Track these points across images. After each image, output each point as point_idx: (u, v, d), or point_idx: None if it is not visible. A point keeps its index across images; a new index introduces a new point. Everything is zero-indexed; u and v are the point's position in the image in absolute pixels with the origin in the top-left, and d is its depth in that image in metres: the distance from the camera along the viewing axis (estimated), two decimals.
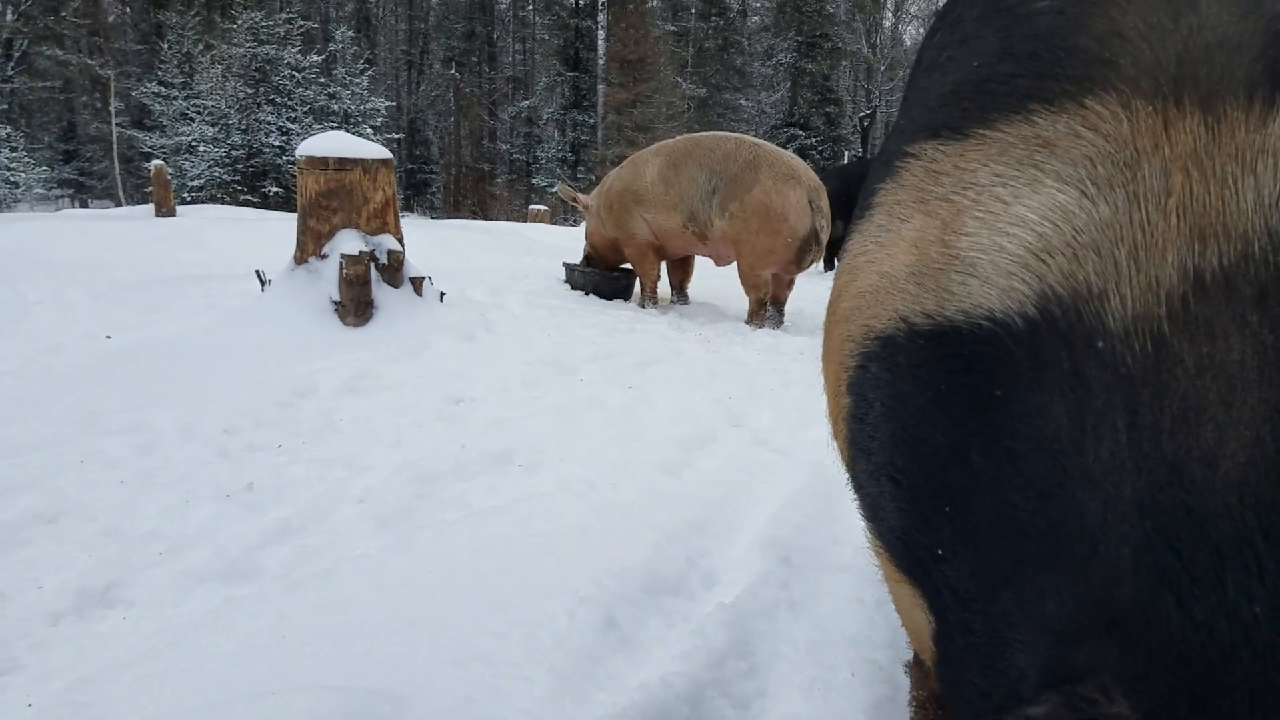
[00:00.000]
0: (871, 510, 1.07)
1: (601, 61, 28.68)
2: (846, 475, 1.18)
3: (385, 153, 4.95)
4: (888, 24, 38.57)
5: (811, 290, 7.49)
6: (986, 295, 0.88)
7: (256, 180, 23.52)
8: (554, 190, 28.31)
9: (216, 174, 23.00)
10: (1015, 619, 0.80)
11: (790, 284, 6.07)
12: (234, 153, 23.35)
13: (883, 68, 36.21)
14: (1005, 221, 0.90)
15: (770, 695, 1.80)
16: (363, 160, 4.79)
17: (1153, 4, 0.92)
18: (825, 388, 1.23)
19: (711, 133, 6.32)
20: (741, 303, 6.30)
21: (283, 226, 8.67)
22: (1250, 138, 0.81)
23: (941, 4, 1.45)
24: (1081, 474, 0.77)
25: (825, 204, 5.76)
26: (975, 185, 0.95)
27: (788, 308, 6.25)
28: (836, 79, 34.22)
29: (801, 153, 28.30)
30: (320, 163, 4.72)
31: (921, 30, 42.72)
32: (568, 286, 6.62)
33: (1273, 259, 0.76)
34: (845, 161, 20.38)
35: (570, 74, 30.76)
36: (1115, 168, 0.85)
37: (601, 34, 28.72)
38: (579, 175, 29.37)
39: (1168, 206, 0.81)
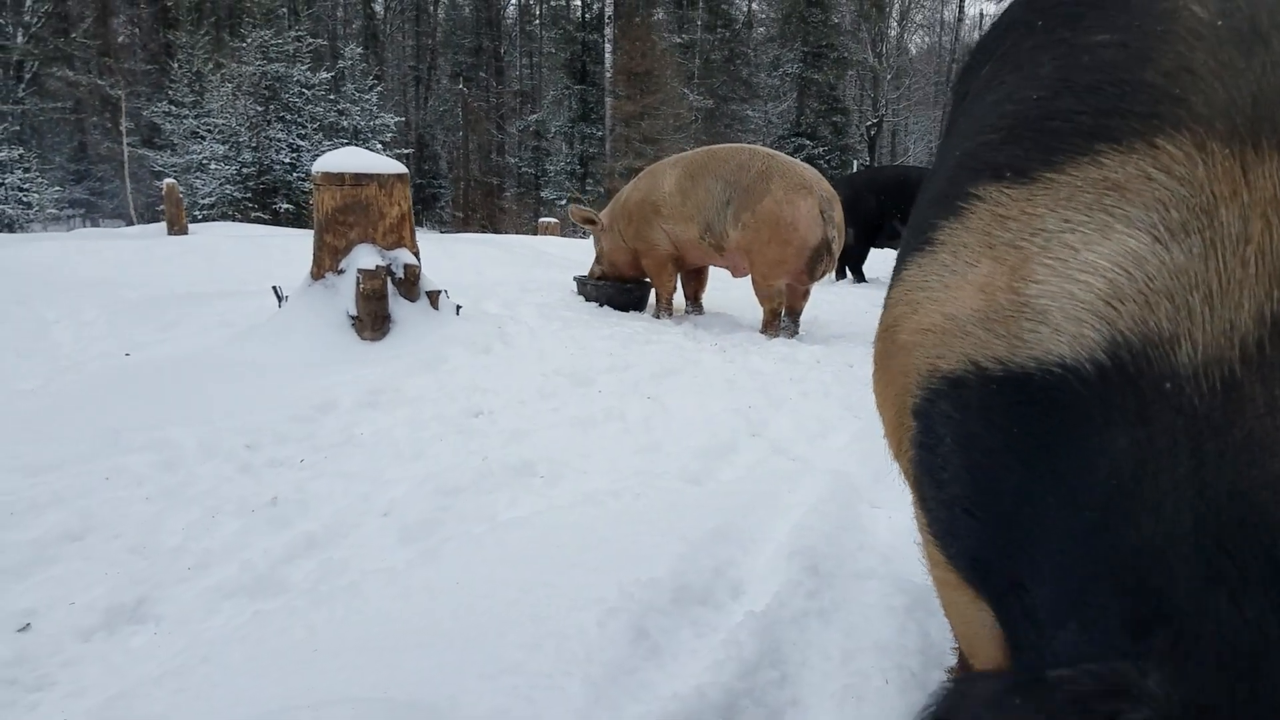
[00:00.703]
0: (940, 530, 1.07)
1: (608, 74, 28.77)
2: (910, 489, 1.18)
3: (400, 167, 4.98)
4: (893, 33, 38.65)
5: (824, 299, 7.48)
6: (1057, 343, 0.88)
7: (267, 197, 23.64)
8: (563, 204, 28.39)
9: (227, 191, 23.14)
10: (1079, 632, 0.80)
11: (805, 294, 6.07)
12: (245, 170, 23.49)
13: (889, 76, 36.26)
14: (1075, 268, 0.89)
15: (803, 704, 1.80)
16: (379, 175, 4.81)
17: (1221, 39, 0.91)
18: (882, 406, 1.25)
19: (728, 144, 6.33)
20: (756, 312, 6.30)
21: (295, 243, 8.71)
22: None
23: (981, 35, 1.44)
24: (1143, 503, 0.78)
25: (838, 214, 5.74)
26: (1043, 231, 0.94)
27: (803, 317, 6.24)
28: (843, 88, 34.27)
29: (809, 162, 28.32)
30: (336, 178, 4.75)
31: (926, 38, 42.79)
32: (581, 299, 6.63)
33: None
34: (854, 170, 20.39)
35: (577, 87, 30.90)
36: (1190, 213, 0.84)
37: (608, 47, 28.81)
38: (587, 188, 29.45)
39: (1246, 254, 0.80)
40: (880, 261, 10.96)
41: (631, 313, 6.45)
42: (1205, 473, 0.76)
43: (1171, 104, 0.89)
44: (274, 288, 5.17)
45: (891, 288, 1.22)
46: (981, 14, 40.94)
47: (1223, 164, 0.84)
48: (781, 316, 5.93)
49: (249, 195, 23.41)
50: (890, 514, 2.70)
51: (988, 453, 0.95)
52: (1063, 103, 0.99)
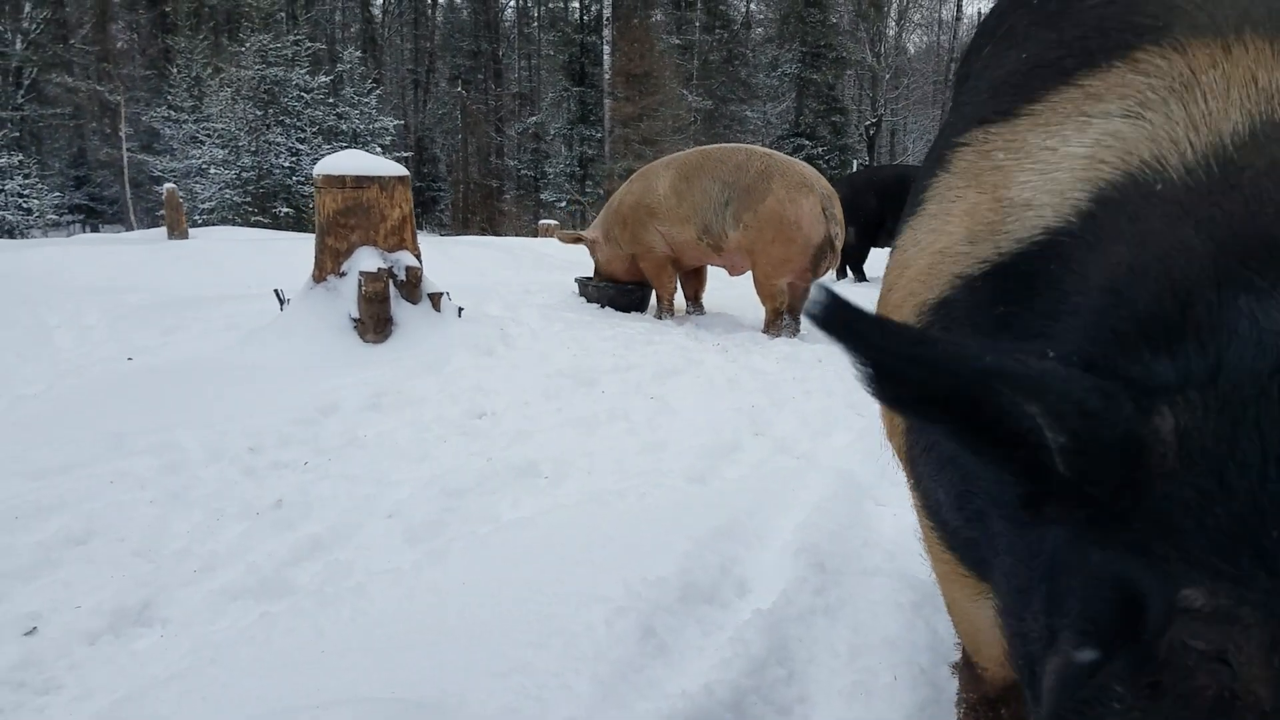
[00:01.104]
0: (934, 508, 1.07)
1: (607, 76, 28.76)
2: (906, 473, 1.18)
3: (402, 170, 4.98)
4: (891, 32, 38.65)
5: None
6: (1042, 216, 0.92)
7: (267, 201, 23.63)
8: (564, 205, 28.39)
9: (227, 196, 23.13)
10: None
11: (807, 293, 6.05)
12: (244, 174, 23.48)
13: (887, 76, 36.25)
14: (1056, 162, 0.94)
15: (811, 701, 1.80)
16: (380, 178, 4.81)
17: None
18: None
19: (721, 145, 6.34)
20: (758, 312, 6.30)
21: (296, 246, 8.71)
22: None
23: (982, 19, 1.48)
24: (1152, 248, 0.80)
25: (839, 211, 5.76)
26: (1025, 148, 0.99)
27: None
28: (841, 88, 34.26)
29: (808, 162, 28.31)
30: (338, 181, 4.75)
31: (925, 38, 42.78)
32: (583, 300, 6.63)
33: None
34: (854, 170, 20.39)
35: (576, 89, 30.88)
36: (1168, 89, 0.90)
37: (607, 49, 28.80)
38: (587, 190, 29.45)
39: (1229, 93, 0.86)
40: (881, 261, 10.97)
41: (633, 314, 6.45)
42: (1204, 232, 0.78)
43: (1154, 31, 0.95)
44: (276, 291, 5.17)
45: (888, 268, 1.23)
46: (979, 13, 40.94)
47: (1202, 51, 0.91)
48: (783, 315, 5.93)
49: (249, 199, 23.40)
50: (895, 511, 2.70)
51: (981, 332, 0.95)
52: (1050, 54, 1.05)
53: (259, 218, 22.74)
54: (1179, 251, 0.78)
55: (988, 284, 0.95)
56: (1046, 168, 0.94)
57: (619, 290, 6.59)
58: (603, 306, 6.49)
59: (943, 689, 1.78)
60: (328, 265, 4.83)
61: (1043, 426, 0.66)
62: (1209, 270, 0.75)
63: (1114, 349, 0.77)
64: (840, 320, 0.68)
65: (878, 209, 9.69)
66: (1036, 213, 0.92)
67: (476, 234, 25.25)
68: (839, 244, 5.79)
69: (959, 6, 39.60)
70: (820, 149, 30.39)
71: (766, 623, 1.98)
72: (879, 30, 36.32)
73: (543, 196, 31.56)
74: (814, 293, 0.71)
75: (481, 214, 33.21)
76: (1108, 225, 0.86)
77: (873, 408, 3.91)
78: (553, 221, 16.24)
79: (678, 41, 32.82)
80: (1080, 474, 0.67)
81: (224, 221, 22.01)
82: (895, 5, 38.13)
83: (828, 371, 4.66)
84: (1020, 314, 0.90)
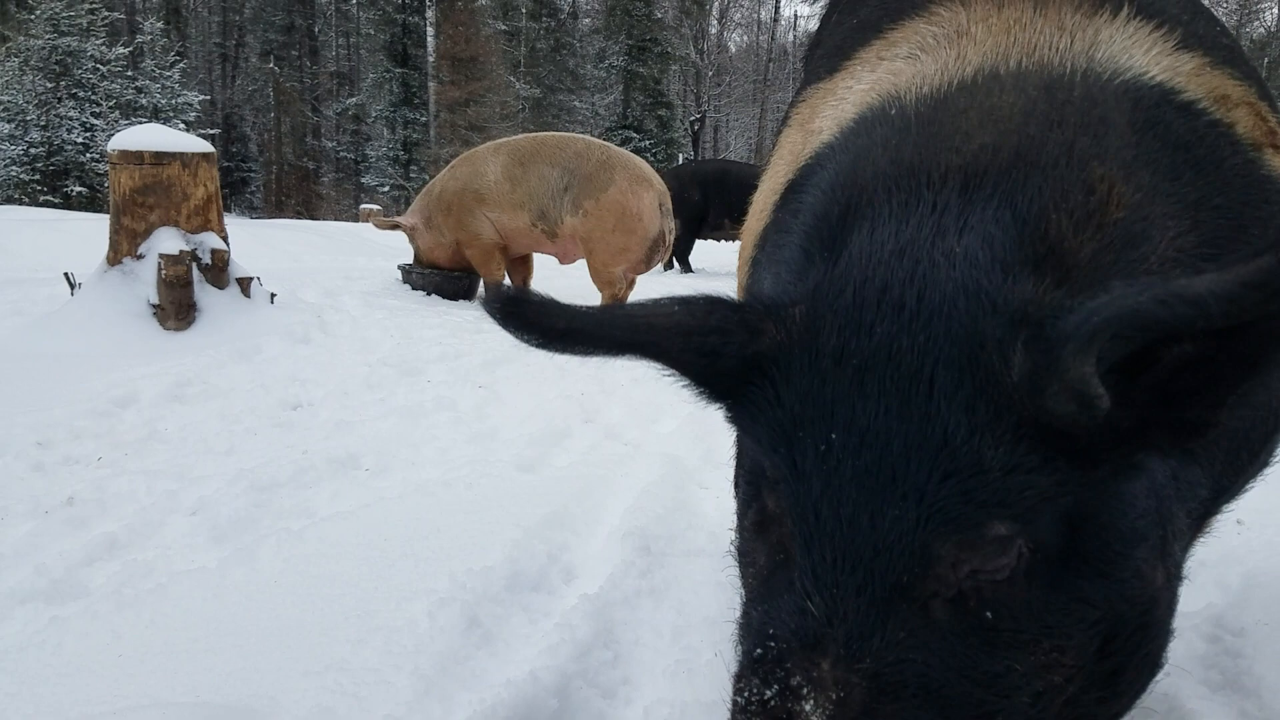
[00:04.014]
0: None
1: (431, 59, 28.09)
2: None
3: (206, 146, 4.68)
4: (713, 30, 39.66)
5: (653, 289, 7.59)
6: (823, 138, 1.09)
7: (58, 180, 21.70)
8: (386, 190, 27.52)
9: (14, 174, 21.06)
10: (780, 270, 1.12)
11: (631, 284, 6.15)
12: (33, 150, 21.47)
13: (710, 73, 37.19)
14: (846, 97, 1.12)
15: (635, 682, 1.82)
16: (182, 154, 4.50)
17: None
18: None
19: (555, 133, 6.33)
20: (588, 300, 6.32)
21: (90, 227, 8.04)
22: (1076, 22, 1.02)
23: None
24: (861, 160, 0.98)
25: (670, 206, 5.94)
26: (832, 93, 1.16)
27: None
28: (667, 83, 34.85)
29: (636, 154, 28.66)
30: (135, 157, 4.40)
31: (745, 37, 44.14)
32: (407, 287, 6.45)
33: (1067, 75, 0.96)
34: (679, 163, 20.80)
35: (399, 70, 29.91)
36: (945, 37, 1.07)
37: (430, 30, 28.11)
38: (412, 175, 28.63)
39: (983, 43, 1.02)
40: (704, 253, 11.25)
41: (460, 301, 6.33)
42: (913, 133, 0.94)
43: None
44: (66, 274, 4.75)
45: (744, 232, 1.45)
46: (796, 14, 42.65)
47: (980, 8, 1.07)
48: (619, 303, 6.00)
49: (37, 177, 21.42)
50: (718, 494, 2.77)
51: (768, 231, 1.14)
52: (873, 15, 1.21)
53: (49, 197, 20.86)
54: (865, 169, 0.94)
55: (783, 197, 1.12)
56: (840, 101, 1.11)
57: (446, 277, 6.44)
58: (429, 294, 6.34)
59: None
60: (123, 247, 4.47)
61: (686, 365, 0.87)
62: (868, 189, 0.92)
63: (804, 251, 0.98)
64: (515, 313, 0.83)
65: (701, 202, 9.93)
66: (820, 137, 1.08)
67: (292, 217, 24.08)
68: (670, 239, 5.95)
69: (777, 8, 41.11)
70: (647, 142, 30.81)
71: (593, 607, 1.99)
72: (702, 28, 37.19)
73: (364, 180, 30.49)
74: (489, 292, 0.86)
75: (297, 197, 31.72)
76: (850, 142, 1.02)
77: None
78: (375, 206, 15.73)
79: (504, 27, 32.45)
80: (722, 389, 0.88)
81: (9, 201, 20.00)
82: (717, 4, 39.13)
83: None
84: (786, 217, 1.07)
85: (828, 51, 1.30)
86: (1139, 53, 0.99)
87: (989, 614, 0.78)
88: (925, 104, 0.97)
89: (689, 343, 0.85)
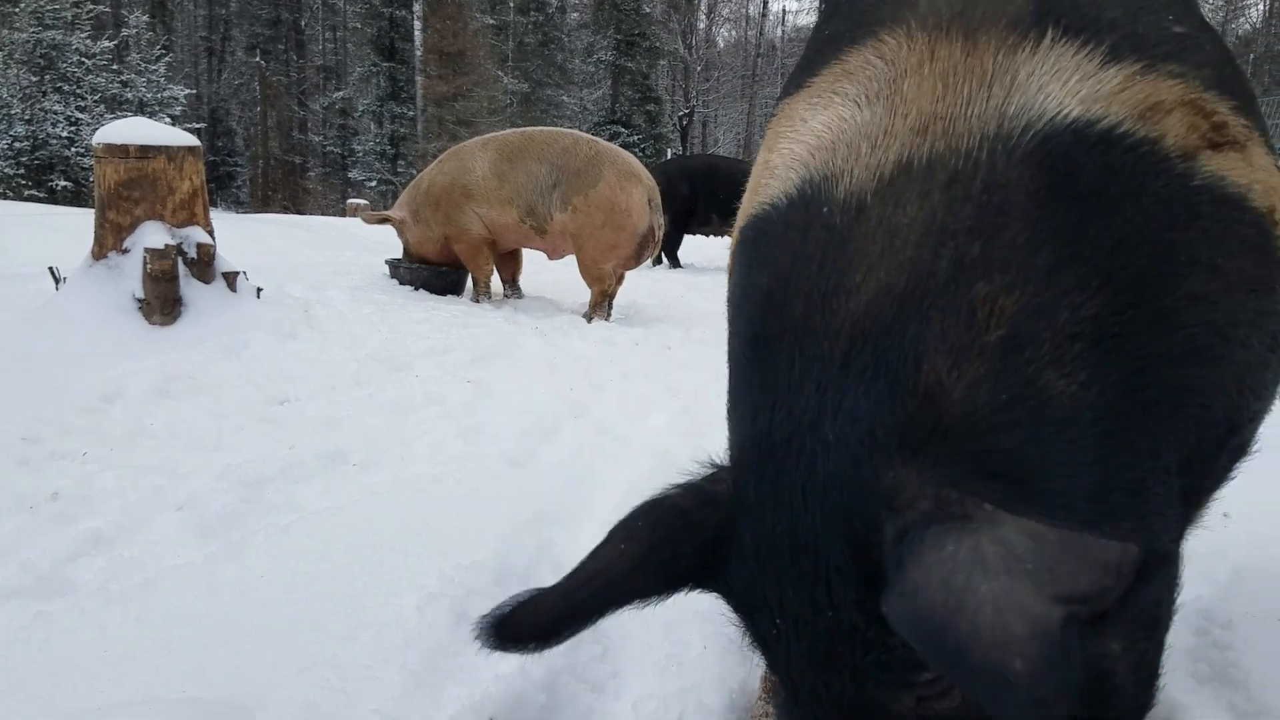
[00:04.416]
0: None
1: (419, 53, 27.97)
2: None
3: (192, 139, 4.64)
4: (702, 25, 39.62)
5: (642, 284, 7.59)
6: (773, 189, 1.08)
7: (43, 174, 21.52)
8: (373, 185, 27.40)
9: None
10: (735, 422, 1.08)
11: (620, 279, 6.14)
12: (17, 145, 21.28)
13: (699, 68, 37.17)
14: (802, 134, 1.10)
15: (623, 676, 1.82)
16: (167, 148, 4.46)
17: None
18: None
19: (543, 128, 6.30)
20: (577, 296, 6.32)
21: (75, 221, 7.96)
22: (997, 61, 0.97)
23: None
24: (778, 302, 0.97)
25: (659, 202, 5.91)
26: (795, 117, 1.14)
27: (621, 301, 6.31)
28: (656, 78, 34.78)
29: (625, 150, 28.60)
30: (120, 150, 4.37)
31: (733, 32, 44.13)
32: (395, 282, 6.42)
33: (974, 154, 0.92)
34: (667, 158, 20.78)
35: (386, 64, 29.76)
36: (885, 84, 1.03)
37: (418, 24, 27.99)
38: (399, 170, 28.51)
39: (908, 112, 0.99)
40: (693, 248, 11.24)
41: (449, 296, 6.31)
42: (820, 276, 0.94)
43: (905, 8, 1.08)
44: (50, 269, 4.71)
45: None
46: (784, 10, 42.64)
47: (920, 46, 1.03)
48: (609, 298, 6.00)
49: (21, 172, 21.23)
50: None
51: (731, 291, 1.15)
52: (842, 28, 1.19)
53: (33, 191, 20.68)
54: (785, 304, 0.95)
55: (743, 235, 1.14)
56: (796, 138, 1.10)
57: (433, 272, 6.41)
58: (416, 289, 6.31)
59: (750, 655, 1.85)
60: (109, 241, 4.44)
61: None
62: (781, 342, 0.93)
63: (738, 390, 1.03)
64: (507, 633, 0.97)
65: (689, 197, 9.92)
66: (778, 182, 1.08)
67: (278, 212, 23.96)
68: (660, 234, 5.93)
69: (765, 3, 41.10)
70: (636, 137, 30.77)
71: None
72: (690, 22, 37.16)
73: (351, 175, 30.35)
74: (479, 623, 0.95)
75: (284, 191, 31.56)
76: (783, 238, 1.02)
77: (689, 390, 4.01)
78: (362, 201, 15.65)
79: (492, 21, 32.33)
80: (703, 580, 1.00)
81: None
82: None
83: (645, 355, 4.73)
84: (744, 273, 1.09)
85: (804, 60, 1.28)
86: (1056, 87, 0.94)
87: None
88: (849, 211, 0.95)
89: (650, 571, 0.95)
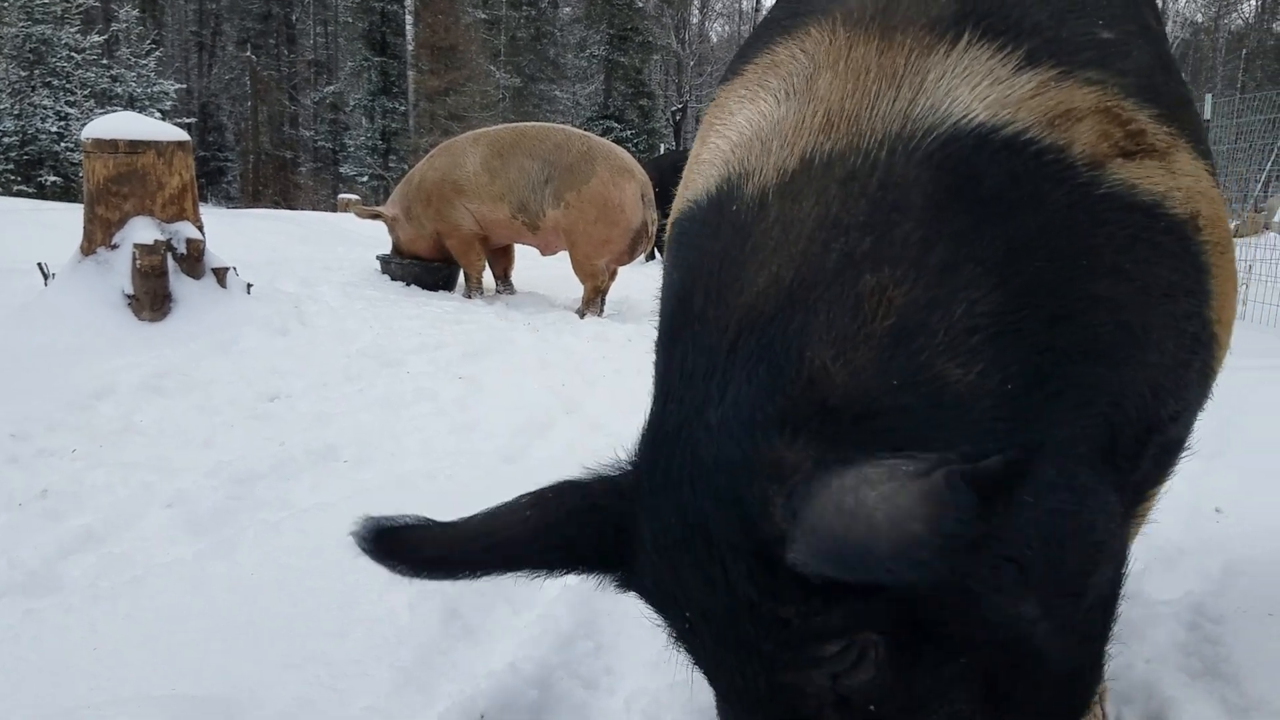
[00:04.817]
0: None
1: (411, 47, 27.84)
2: None
3: (181, 134, 4.62)
4: (695, 20, 39.58)
5: (635, 280, 7.57)
6: (699, 186, 1.08)
7: (32, 169, 21.38)
8: (365, 180, 27.31)
9: None
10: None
11: (614, 275, 6.14)
12: (6, 140, 21.14)
13: (692, 63, 37.12)
14: (729, 128, 1.09)
15: (617, 672, 1.82)
16: (156, 143, 4.44)
17: None
18: None
19: (534, 123, 6.29)
20: (569, 292, 6.30)
21: (64, 217, 7.91)
22: (910, 61, 0.97)
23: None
24: (685, 298, 0.98)
25: (653, 197, 5.90)
26: (726, 107, 1.14)
27: (613, 297, 6.31)
28: (649, 73, 34.74)
29: (618, 145, 28.55)
30: (109, 145, 4.34)
31: (726, 27, 44.09)
32: (386, 278, 6.40)
33: (874, 153, 0.92)
34: (660, 153, 20.77)
35: (377, 59, 29.60)
36: (803, 80, 1.02)
37: (409, 19, 27.87)
38: (390, 165, 28.40)
39: (817, 110, 0.98)
40: None
41: (440, 292, 6.30)
42: (720, 271, 0.94)
43: (834, 1, 1.08)
44: (40, 265, 4.68)
45: None
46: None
47: (840, 42, 1.02)
48: (602, 294, 5.99)
49: (11, 167, 21.10)
50: None
51: (669, 286, 1.13)
52: (773, 14, 1.20)
53: (23, 187, 20.55)
54: (689, 298, 0.96)
55: (673, 229, 1.14)
56: (723, 131, 1.09)
57: (425, 268, 6.40)
58: (408, 284, 6.29)
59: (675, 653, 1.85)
60: (98, 237, 4.41)
61: None
62: (679, 334, 0.95)
63: (655, 381, 1.04)
64: (383, 547, 0.94)
65: None
66: (701, 178, 1.08)
67: (269, 207, 23.87)
68: (653, 230, 5.92)
69: None
70: (629, 132, 30.71)
71: (576, 598, 1.98)
72: (683, 17, 37.10)
73: (342, 170, 30.22)
74: (358, 526, 0.95)
75: (274, 187, 31.43)
76: (698, 235, 1.03)
77: None
78: (353, 196, 15.60)
79: (484, 16, 32.23)
80: (600, 568, 1.01)
81: None
82: None
83: (638, 350, 4.72)
84: (666, 274, 1.10)
85: (744, 45, 1.28)
86: (964, 91, 0.94)
87: (873, 706, 0.85)
88: (752, 208, 0.96)
89: (547, 546, 0.95)
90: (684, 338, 0.94)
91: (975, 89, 0.94)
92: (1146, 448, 1.06)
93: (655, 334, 1.13)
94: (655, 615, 0.99)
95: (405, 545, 0.94)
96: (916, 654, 0.85)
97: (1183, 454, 1.20)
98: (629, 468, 0.98)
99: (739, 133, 1.05)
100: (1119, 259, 0.95)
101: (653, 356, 1.13)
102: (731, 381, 0.87)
